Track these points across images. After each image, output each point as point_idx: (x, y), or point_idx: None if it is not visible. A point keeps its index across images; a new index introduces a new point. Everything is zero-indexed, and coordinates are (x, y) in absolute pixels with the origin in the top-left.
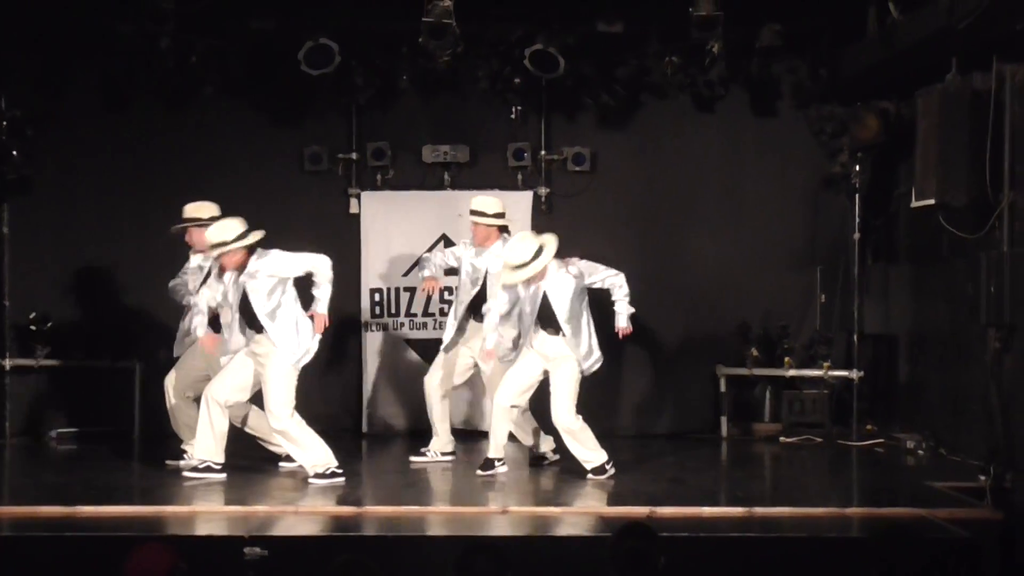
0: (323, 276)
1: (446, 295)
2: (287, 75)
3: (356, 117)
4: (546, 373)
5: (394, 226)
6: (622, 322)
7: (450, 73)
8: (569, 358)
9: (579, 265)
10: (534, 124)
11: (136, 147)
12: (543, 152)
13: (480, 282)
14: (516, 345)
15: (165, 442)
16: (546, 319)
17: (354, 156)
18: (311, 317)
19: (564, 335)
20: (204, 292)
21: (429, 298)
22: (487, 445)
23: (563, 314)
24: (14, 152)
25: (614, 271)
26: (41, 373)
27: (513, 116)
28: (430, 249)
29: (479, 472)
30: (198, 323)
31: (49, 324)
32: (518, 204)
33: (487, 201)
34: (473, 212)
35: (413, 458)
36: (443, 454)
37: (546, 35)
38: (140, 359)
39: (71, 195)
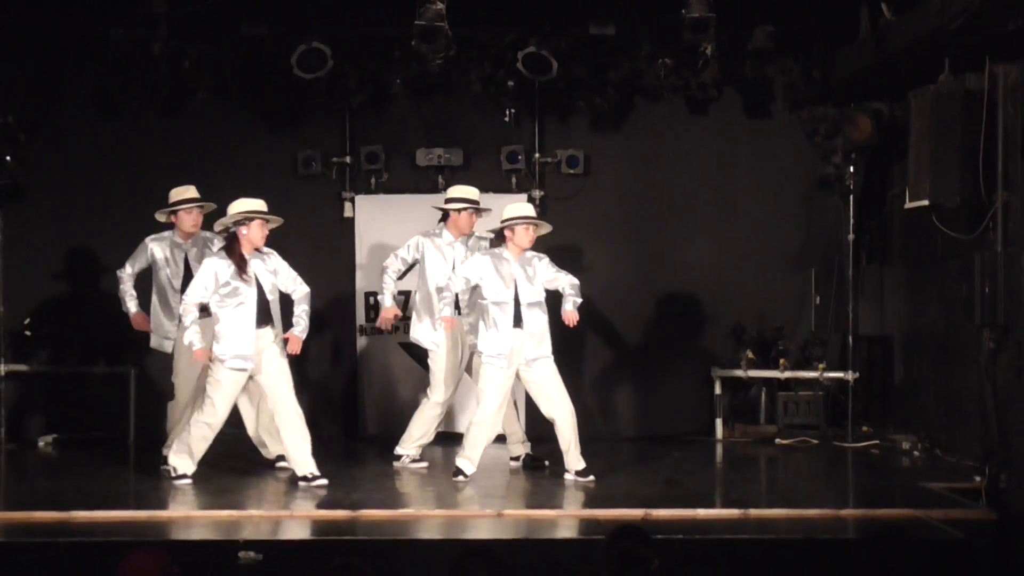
0: (307, 304)
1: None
2: (280, 80)
3: (349, 121)
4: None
5: (388, 230)
6: (569, 306)
7: (443, 76)
8: (542, 358)
9: (546, 261)
10: (527, 127)
11: (129, 153)
12: (537, 155)
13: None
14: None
15: (159, 447)
16: (515, 309)
17: (348, 160)
18: (285, 340)
19: (522, 327)
20: (198, 291)
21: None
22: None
23: (528, 304)
24: (7, 158)
25: (572, 277)
26: (36, 379)
27: (506, 119)
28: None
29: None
30: (193, 337)
31: (44, 330)
32: None
33: (476, 192)
34: (471, 202)
35: (414, 466)
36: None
37: (538, 38)
38: (134, 364)
39: (65, 201)
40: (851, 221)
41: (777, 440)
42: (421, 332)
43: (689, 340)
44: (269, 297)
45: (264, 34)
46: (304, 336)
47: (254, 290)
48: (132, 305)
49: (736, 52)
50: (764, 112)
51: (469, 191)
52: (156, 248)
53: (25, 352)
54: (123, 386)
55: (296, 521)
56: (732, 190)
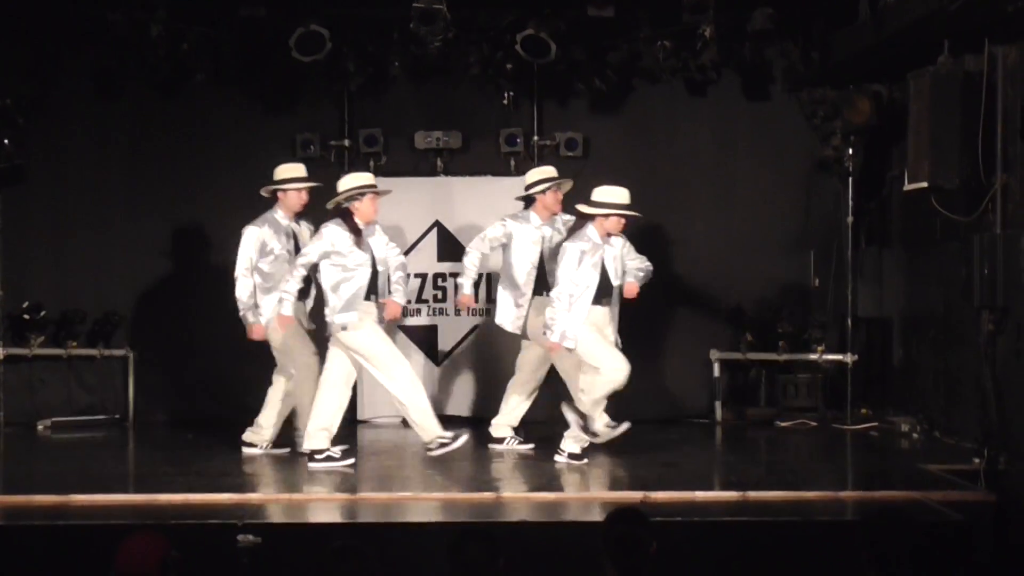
0: (403, 271)
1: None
2: (278, 62)
3: (348, 104)
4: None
5: (387, 213)
6: (632, 278)
7: (441, 59)
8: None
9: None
10: (526, 109)
11: (128, 135)
12: (535, 137)
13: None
14: None
15: (158, 430)
16: (605, 286)
17: (346, 143)
18: (382, 303)
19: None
20: (313, 252)
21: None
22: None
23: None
24: (5, 141)
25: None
26: (35, 362)
27: (505, 102)
28: (422, 237)
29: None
30: (272, 308)
31: (43, 313)
32: (511, 190)
33: (552, 169)
34: (552, 179)
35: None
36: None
37: (537, 20)
38: (133, 347)
39: (63, 184)
40: (850, 203)
41: (776, 422)
42: (504, 316)
43: (688, 322)
44: (380, 268)
45: (263, 16)
46: (403, 302)
47: (368, 259)
48: (287, 308)
49: (735, 34)
50: (763, 94)
51: (547, 170)
52: (263, 234)
53: (24, 335)
54: (122, 369)
55: (295, 504)
56: (731, 172)
